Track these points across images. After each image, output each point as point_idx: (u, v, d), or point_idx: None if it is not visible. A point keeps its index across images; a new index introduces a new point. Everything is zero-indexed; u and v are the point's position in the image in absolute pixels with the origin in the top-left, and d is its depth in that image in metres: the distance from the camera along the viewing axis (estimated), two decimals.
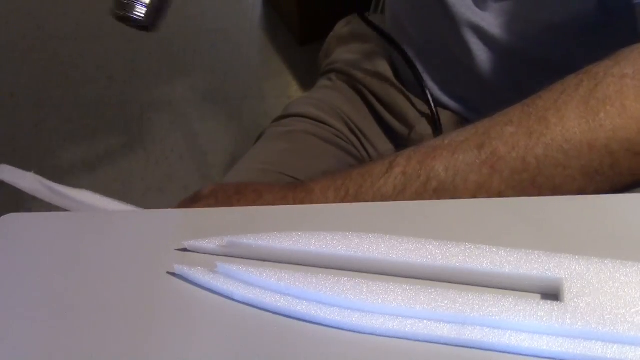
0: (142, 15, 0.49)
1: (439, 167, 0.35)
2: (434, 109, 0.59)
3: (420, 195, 0.35)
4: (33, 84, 1.51)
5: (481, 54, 0.53)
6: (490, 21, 0.51)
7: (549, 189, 0.33)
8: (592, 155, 0.32)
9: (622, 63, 0.33)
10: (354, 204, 0.34)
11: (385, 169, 0.36)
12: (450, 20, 0.53)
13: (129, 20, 0.49)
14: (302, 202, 0.38)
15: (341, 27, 0.74)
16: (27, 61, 1.57)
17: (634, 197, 0.31)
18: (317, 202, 0.38)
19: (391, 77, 0.64)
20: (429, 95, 0.59)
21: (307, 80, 1.47)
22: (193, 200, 0.43)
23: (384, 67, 0.65)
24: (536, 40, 0.50)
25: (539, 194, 0.33)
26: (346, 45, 0.70)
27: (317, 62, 0.77)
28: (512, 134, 0.33)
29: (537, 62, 0.51)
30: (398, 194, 0.35)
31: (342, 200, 0.37)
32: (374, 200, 0.36)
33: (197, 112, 1.44)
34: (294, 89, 1.48)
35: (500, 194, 0.34)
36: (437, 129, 0.59)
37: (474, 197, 0.34)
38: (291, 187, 0.40)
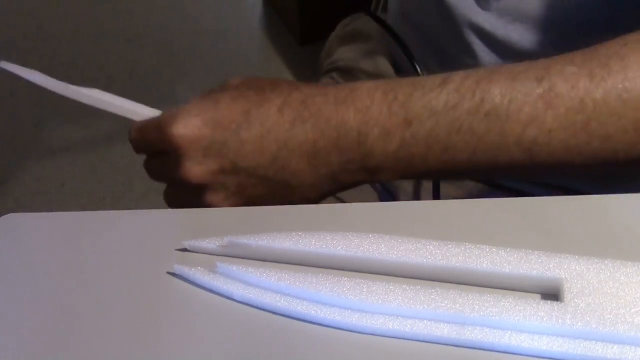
0: None
1: (495, 90, 0.34)
2: None
3: (471, 115, 0.34)
4: (33, 84, 1.51)
5: (484, 55, 0.53)
6: (493, 21, 0.51)
7: (599, 137, 0.33)
8: None
9: None
10: (354, 204, 0.34)
11: (439, 83, 0.35)
12: (451, 22, 0.53)
13: None
14: (343, 100, 0.36)
15: (343, 27, 0.74)
16: (27, 61, 1.57)
17: (634, 197, 0.31)
18: (360, 103, 0.36)
19: (393, 75, 0.64)
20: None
21: (307, 80, 1.47)
22: (221, 89, 0.40)
23: (386, 66, 0.65)
24: (539, 39, 0.50)
25: (589, 142, 0.33)
26: (348, 45, 0.70)
27: (318, 62, 0.77)
28: (573, 73, 0.33)
29: None
30: (449, 110, 0.34)
31: (389, 105, 0.35)
32: (422, 111, 0.34)
33: None
34: None
35: (550, 132, 0.33)
36: None
37: (524, 130, 0.33)
38: (332, 85, 0.38)
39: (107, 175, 1.34)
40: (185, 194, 0.40)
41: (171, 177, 0.40)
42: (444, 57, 0.57)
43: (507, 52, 0.52)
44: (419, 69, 0.60)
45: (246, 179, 0.38)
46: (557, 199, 0.32)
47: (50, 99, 1.48)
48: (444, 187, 0.52)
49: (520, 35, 0.50)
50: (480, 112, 0.34)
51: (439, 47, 0.57)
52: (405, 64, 0.62)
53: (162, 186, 0.43)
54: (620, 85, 0.32)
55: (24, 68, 0.41)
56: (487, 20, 0.51)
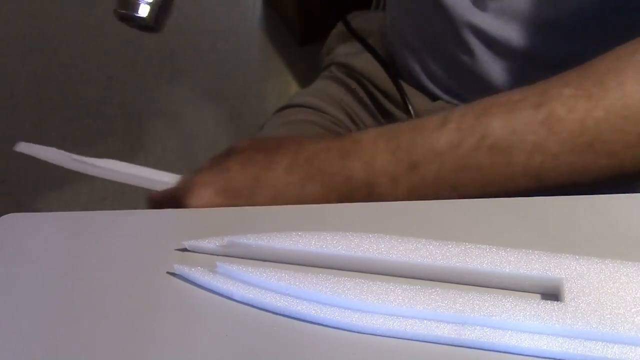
0: (146, 15, 0.48)
1: (495, 124, 0.34)
2: (411, 110, 0.59)
3: (474, 151, 0.34)
4: (33, 84, 1.51)
5: (482, 55, 0.53)
6: (490, 22, 0.51)
7: (606, 155, 0.33)
8: None
9: None
10: (354, 204, 0.34)
11: (439, 124, 0.35)
12: (449, 23, 0.53)
13: (132, 20, 0.49)
14: (348, 154, 0.36)
15: (342, 25, 0.74)
16: (27, 61, 1.57)
17: (634, 197, 0.31)
18: (364, 154, 0.36)
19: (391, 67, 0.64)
20: (407, 99, 0.59)
21: (307, 80, 1.47)
22: (227, 154, 0.41)
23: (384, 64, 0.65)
24: (537, 38, 0.50)
25: (595, 160, 0.33)
26: (347, 42, 0.71)
27: (318, 62, 0.77)
28: (571, 95, 0.33)
29: (540, 61, 0.51)
30: (453, 149, 0.34)
31: (394, 153, 0.35)
32: (426, 153, 0.35)
33: (197, 112, 1.44)
34: (294, 89, 1.48)
35: (556, 157, 0.33)
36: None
37: (530, 157, 0.33)
38: (335, 138, 0.38)
39: None
40: None
41: None
42: (443, 56, 0.58)
43: (506, 52, 0.52)
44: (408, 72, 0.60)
45: None
46: (557, 199, 0.32)
47: (50, 99, 1.48)
48: None
49: (518, 35, 0.50)
50: (484, 147, 0.34)
51: (438, 46, 0.58)
52: (402, 63, 0.62)
53: None
54: (619, 102, 0.32)
55: (41, 147, 0.42)
56: (484, 20, 0.51)
